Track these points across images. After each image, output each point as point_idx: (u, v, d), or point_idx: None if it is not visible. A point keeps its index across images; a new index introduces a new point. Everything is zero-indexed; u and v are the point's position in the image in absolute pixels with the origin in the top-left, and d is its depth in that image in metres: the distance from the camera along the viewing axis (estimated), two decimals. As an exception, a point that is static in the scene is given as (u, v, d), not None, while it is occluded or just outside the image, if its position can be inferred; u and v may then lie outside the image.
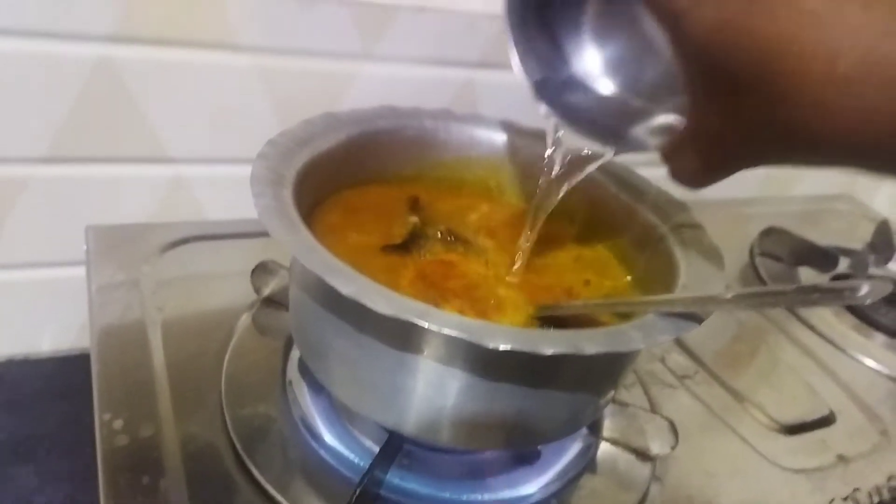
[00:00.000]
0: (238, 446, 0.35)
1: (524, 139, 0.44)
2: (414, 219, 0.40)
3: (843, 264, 0.67)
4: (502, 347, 0.26)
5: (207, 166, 0.52)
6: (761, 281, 0.62)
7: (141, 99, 0.47)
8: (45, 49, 0.44)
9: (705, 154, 0.25)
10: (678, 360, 0.50)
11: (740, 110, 0.22)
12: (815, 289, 0.25)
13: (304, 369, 0.39)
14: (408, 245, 0.38)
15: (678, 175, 0.27)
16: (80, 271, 0.51)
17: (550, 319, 0.34)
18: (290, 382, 0.39)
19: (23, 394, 0.53)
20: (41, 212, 0.49)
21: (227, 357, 0.40)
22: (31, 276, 0.52)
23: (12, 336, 0.54)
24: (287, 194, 0.32)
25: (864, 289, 0.23)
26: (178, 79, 0.48)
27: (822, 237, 0.68)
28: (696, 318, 0.29)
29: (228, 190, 0.53)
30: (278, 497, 0.33)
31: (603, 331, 0.29)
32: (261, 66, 0.49)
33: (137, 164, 0.50)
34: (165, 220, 0.51)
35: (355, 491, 0.32)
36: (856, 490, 0.43)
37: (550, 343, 0.26)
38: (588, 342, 0.27)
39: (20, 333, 0.54)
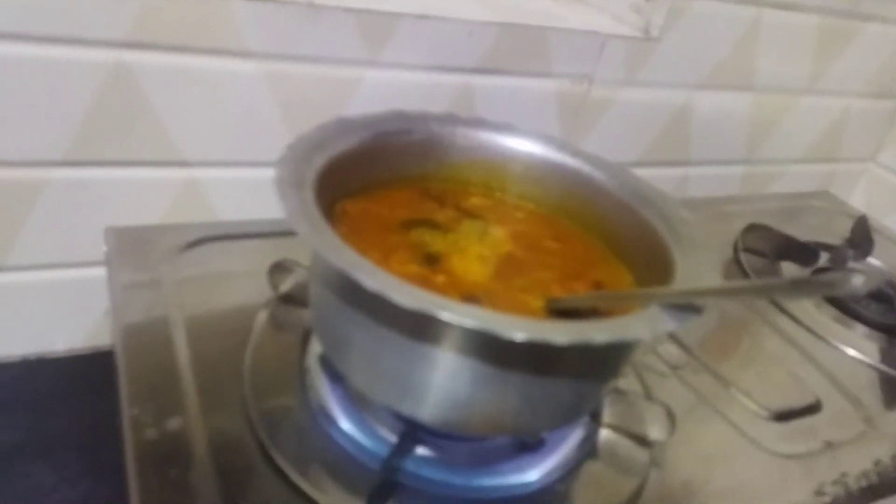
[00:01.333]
0: (262, 437, 0.36)
1: (526, 142, 0.46)
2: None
3: (823, 258, 0.70)
4: (518, 338, 0.28)
5: (219, 169, 0.54)
6: (746, 275, 0.65)
7: (155, 104, 0.49)
8: (63, 54, 0.45)
9: None
10: (670, 350, 0.52)
11: None
12: (809, 281, 0.26)
13: (322, 362, 0.41)
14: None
15: None
16: (95, 272, 0.53)
17: (558, 312, 0.36)
18: (309, 376, 0.41)
19: (38, 393, 0.53)
20: (58, 214, 0.50)
21: (247, 352, 0.41)
22: (47, 277, 0.53)
23: (27, 336, 0.55)
24: (309, 195, 0.34)
25: (859, 279, 0.25)
26: (191, 84, 0.49)
27: (802, 233, 0.71)
28: (697, 310, 0.32)
29: (239, 192, 0.55)
30: (301, 484, 0.35)
31: (610, 321, 0.31)
32: (270, 72, 0.51)
33: (152, 167, 0.51)
34: (179, 222, 0.53)
35: (379, 478, 0.34)
36: (843, 475, 0.45)
37: (562, 333, 0.29)
38: (597, 332, 0.29)
39: (35, 333, 0.55)
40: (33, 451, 0.49)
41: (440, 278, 0.38)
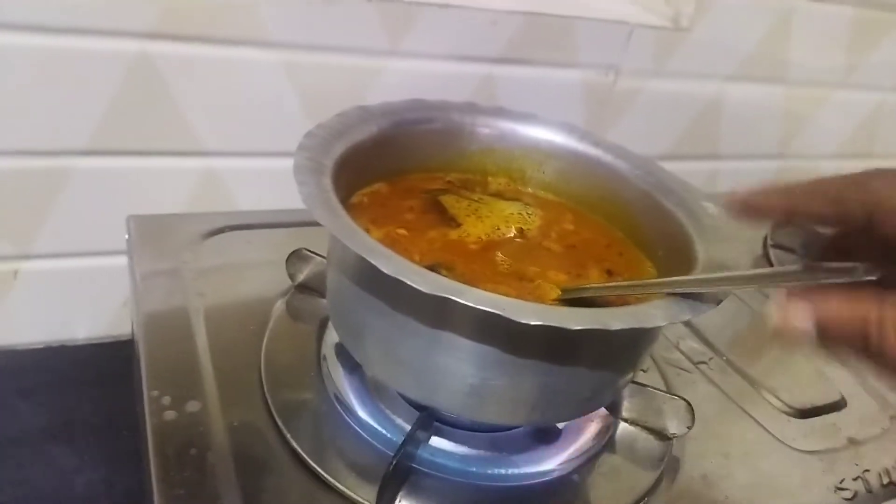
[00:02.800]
0: (278, 421, 0.37)
1: (547, 131, 0.45)
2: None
3: (855, 256, 0.68)
4: (533, 322, 0.27)
5: (239, 159, 0.54)
6: (774, 271, 0.64)
7: (177, 93, 0.49)
8: (88, 45, 0.46)
9: None
10: (693, 345, 0.51)
11: None
12: (822, 267, 0.26)
13: (338, 351, 0.41)
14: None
15: None
16: (115, 260, 0.54)
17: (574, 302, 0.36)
18: (325, 363, 0.41)
19: (60, 379, 0.55)
20: (81, 203, 0.51)
21: (265, 340, 0.41)
22: (69, 265, 0.54)
23: (50, 323, 0.56)
24: (327, 182, 0.34)
25: (870, 267, 0.25)
26: (213, 74, 0.50)
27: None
28: (714, 299, 0.31)
29: (259, 181, 0.56)
30: (317, 468, 0.35)
31: (627, 308, 0.31)
32: (290, 62, 0.51)
33: (173, 156, 0.52)
34: (199, 211, 0.53)
35: (391, 463, 0.34)
36: (865, 472, 0.44)
37: (578, 319, 0.28)
38: (613, 318, 0.29)
39: (57, 321, 0.56)
40: (56, 435, 0.50)
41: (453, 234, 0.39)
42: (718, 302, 0.31)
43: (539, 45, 0.59)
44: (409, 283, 0.28)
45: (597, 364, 0.34)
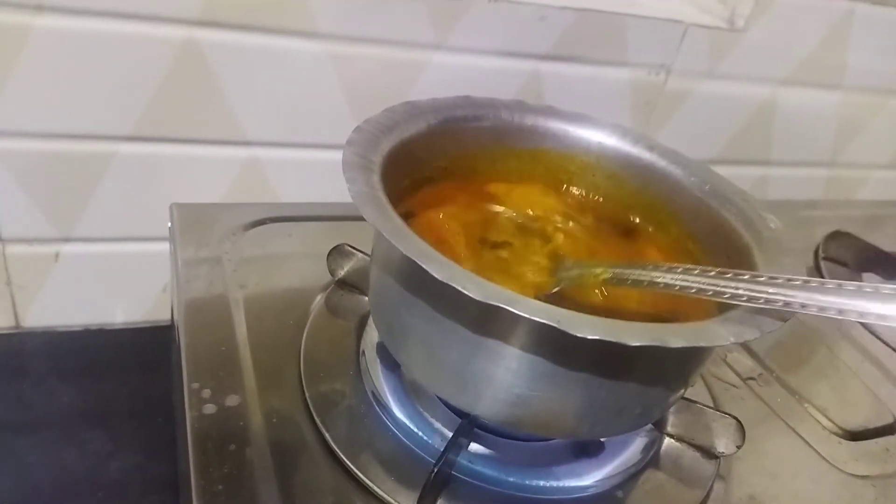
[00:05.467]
0: (316, 419, 0.36)
1: (599, 133, 0.44)
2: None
3: (910, 271, 0.66)
4: (590, 337, 0.26)
5: (281, 150, 0.54)
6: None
7: (222, 82, 0.49)
8: (134, 31, 0.45)
9: None
10: (741, 360, 0.50)
11: None
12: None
13: (378, 350, 0.41)
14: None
15: None
16: (155, 246, 0.54)
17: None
18: (364, 360, 0.40)
19: (97, 363, 0.55)
20: (124, 188, 0.51)
21: (304, 335, 0.41)
22: (110, 250, 0.54)
23: (89, 306, 0.57)
24: (376, 180, 0.33)
25: None
26: (258, 63, 0.49)
27: (888, 243, 0.67)
28: (780, 316, 0.29)
29: (300, 173, 0.55)
30: (353, 469, 0.34)
31: (687, 325, 0.30)
32: (336, 53, 0.51)
33: (216, 145, 0.51)
34: (240, 201, 0.53)
35: (433, 471, 0.33)
36: (920, 499, 0.43)
37: (636, 334, 0.27)
38: (672, 336, 0.27)
39: (97, 305, 0.57)
40: (92, 418, 0.51)
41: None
42: (785, 320, 0.29)
43: (589, 43, 0.58)
44: (461, 289, 0.27)
45: (649, 380, 0.32)
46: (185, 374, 0.37)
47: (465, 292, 0.27)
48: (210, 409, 0.35)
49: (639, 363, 0.31)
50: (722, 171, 0.42)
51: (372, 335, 0.42)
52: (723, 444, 0.39)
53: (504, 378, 0.31)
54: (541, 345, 0.30)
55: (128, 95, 0.48)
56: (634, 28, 0.58)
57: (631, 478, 0.38)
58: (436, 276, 0.27)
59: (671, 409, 0.41)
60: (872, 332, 0.57)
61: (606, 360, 0.30)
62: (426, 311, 0.32)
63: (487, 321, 0.30)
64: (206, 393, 0.36)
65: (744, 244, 0.37)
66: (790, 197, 0.78)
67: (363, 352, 0.41)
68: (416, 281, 0.32)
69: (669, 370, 0.33)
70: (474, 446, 0.37)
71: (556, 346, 0.30)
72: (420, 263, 0.28)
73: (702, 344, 0.28)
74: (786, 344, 0.53)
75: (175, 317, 0.43)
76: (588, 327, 0.27)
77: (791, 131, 0.73)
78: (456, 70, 0.55)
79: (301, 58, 0.50)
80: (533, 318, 0.26)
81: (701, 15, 0.61)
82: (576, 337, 0.26)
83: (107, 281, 0.55)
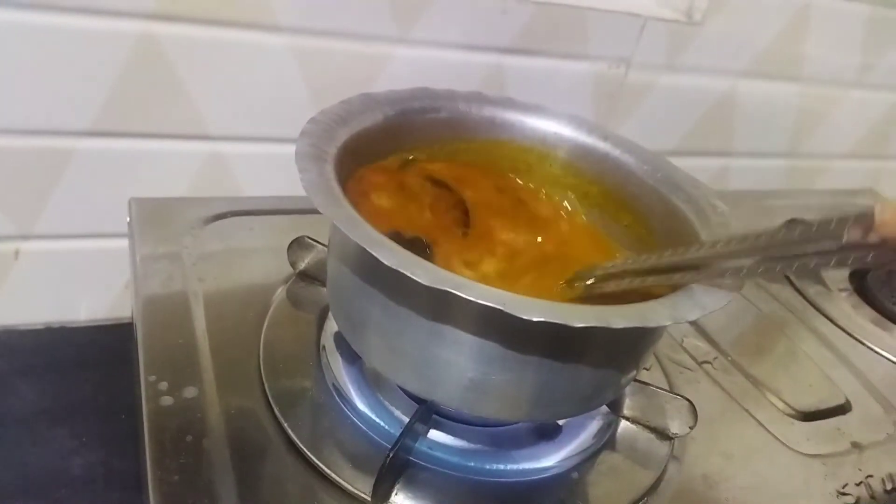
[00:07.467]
0: (276, 410, 0.36)
1: (555, 123, 0.45)
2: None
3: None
4: (535, 319, 0.27)
5: (244, 144, 0.53)
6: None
7: (183, 76, 0.49)
8: (91, 25, 0.45)
9: None
10: (697, 344, 0.51)
11: None
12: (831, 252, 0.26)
13: (338, 341, 0.41)
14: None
15: None
16: (118, 243, 0.53)
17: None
18: (325, 353, 0.41)
19: (59, 360, 0.54)
20: (84, 184, 0.50)
21: (264, 327, 0.41)
22: (72, 247, 0.53)
23: (51, 304, 0.56)
24: (329, 170, 0.33)
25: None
26: (219, 58, 0.49)
27: (844, 231, 0.68)
28: (722, 298, 0.30)
29: (263, 167, 0.55)
30: (313, 458, 0.35)
31: (631, 307, 0.30)
32: (298, 47, 0.51)
33: (177, 139, 0.51)
34: (201, 195, 0.53)
35: (388, 455, 0.33)
36: (869, 477, 0.44)
37: (581, 316, 0.28)
38: (616, 316, 0.28)
39: (59, 302, 0.56)
40: (55, 416, 0.50)
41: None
42: (727, 300, 0.30)
43: (550, 36, 0.58)
44: (410, 275, 0.27)
45: (599, 362, 0.33)
46: (141, 366, 0.37)
47: (414, 277, 0.27)
48: (167, 401, 0.35)
49: (588, 345, 0.32)
50: (684, 162, 0.43)
51: (332, 326, 0.42)
52: (676, 426, 0.40)
53: (458, 363, 0.32)
54: (491, 329, 0.30)
55: (86, 90, 0.47)
56: (594, 21, 0.59)
57: (587, 459, 0.39)
58: (385, 262, 0.28)
59: (627, 392, 0.42)
60: (828, 318, 0.59)
61: (556, 342, 0.31)
62: (380, 298, 0.32)
63: (439, 307, 0.31)
64: (164, 385, 0.36)
65: (693, 230, 0.38)
66: (752, 187, 0.79)
67: (323, 343, 0.41)
68: (370, 269, 0.32)
69: (619, 351, 0.34)
70: (435, 433, 0.38)
71: (506, 330, 0.30)
72: (370, 250, 0.28)
73: (644, 324, 0.28)
74: (742, 329, 0.55)
75: (133, 312, 0.43)
76: (534, 310, 0.27)
77: (751, 122, 0.74)
78: (419, 63, 0.55)
79: (262, 52, 0.50)
80: (480, 301, 0.27)
81: (659, 9, 0.62)
82: (523, 320, 0.27)
83: (69, 278, 0.55)
